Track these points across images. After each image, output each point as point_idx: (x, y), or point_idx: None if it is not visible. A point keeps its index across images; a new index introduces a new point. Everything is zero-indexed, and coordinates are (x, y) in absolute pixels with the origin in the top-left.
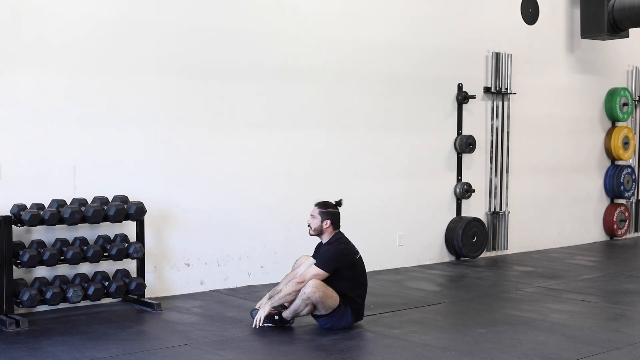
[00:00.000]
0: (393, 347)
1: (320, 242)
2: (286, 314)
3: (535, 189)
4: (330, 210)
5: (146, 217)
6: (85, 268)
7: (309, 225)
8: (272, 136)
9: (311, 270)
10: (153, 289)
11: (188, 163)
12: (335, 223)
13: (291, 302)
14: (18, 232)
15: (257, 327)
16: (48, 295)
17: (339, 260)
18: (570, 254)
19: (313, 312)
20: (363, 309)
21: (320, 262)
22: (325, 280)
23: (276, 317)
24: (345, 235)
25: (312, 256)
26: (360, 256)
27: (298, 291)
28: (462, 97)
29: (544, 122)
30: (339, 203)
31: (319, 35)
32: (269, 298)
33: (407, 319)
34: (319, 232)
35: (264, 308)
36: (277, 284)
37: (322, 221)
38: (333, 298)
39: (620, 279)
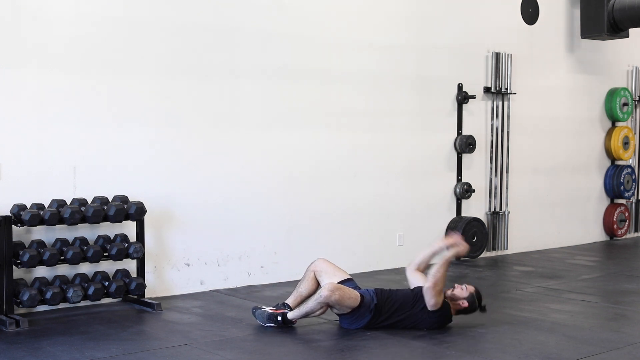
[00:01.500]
0: (393, 347)
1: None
2: (294, 314)
3: (535, 189)
4: (475, 304)
5: (146, 217)
6: (85, 268)
7: (453, 287)
8: (272, 136)
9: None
10: (153, 289)
11: (188, 163)
12: (466, 311)
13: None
14: (18, 232)
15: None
16: (48, 295)
17: (446, 321)
18: (570, 254)
19: (324, 313)
20: (383, 325)
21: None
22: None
23: (279, 318)
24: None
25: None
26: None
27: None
28: (462, 97)
29: (544, 122)
30: (482, 308)
31: (319, 35)
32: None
33: None
34: (444, 296)
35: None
36: (277, 284)
37: (461, 299)
38: (352, 299)
39: (620, 279)
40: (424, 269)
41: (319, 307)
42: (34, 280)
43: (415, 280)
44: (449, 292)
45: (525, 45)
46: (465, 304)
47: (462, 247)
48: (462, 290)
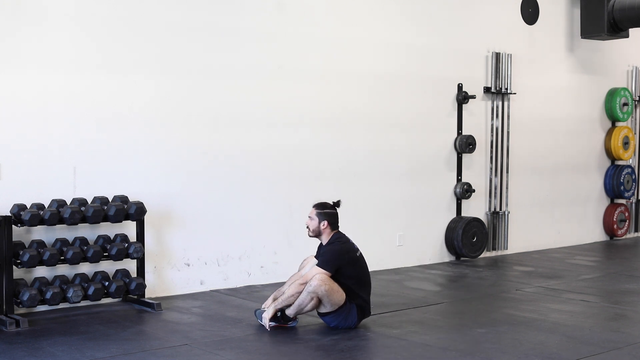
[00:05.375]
0: (393, 347)
1: (321, 243)
2: (290, 310)
3: (535, 189)
4: (327, 211)
5: (146, 217)
6: (85, 268)
7: (307, 227)
8: (272, 136)
9: (313, 270)
10: (153, 289)
11: (188, 163)
12: (334, 224)
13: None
14: (18, 232)
15: (269, 328)
16: (48, 295)
17: (339, 258)
18: (570, 254)
19: (318, 308)
20: (369, 307)
21: (322, 263)
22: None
23: (278, 314)
24: (345, 234)
25: (315, 257)
26: (360, 253)
27: (299, 289)
28: (462, 97)
29: (544, 122)
30: (337, 204)
31: (319, 35)
32: (274, 299)
33: (407, 319)
34: (317, 234)
35: (268, 310)
36: (277, 284)
37: (319, 222)
38: (339, 293)
39: (620, 279)
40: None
41: (309, 298)
42: (34, 280)
43: (309, 266)
44: (311, 233)
45: (525, 45)
46: (326, 222)
47: None
48: (311, 220)
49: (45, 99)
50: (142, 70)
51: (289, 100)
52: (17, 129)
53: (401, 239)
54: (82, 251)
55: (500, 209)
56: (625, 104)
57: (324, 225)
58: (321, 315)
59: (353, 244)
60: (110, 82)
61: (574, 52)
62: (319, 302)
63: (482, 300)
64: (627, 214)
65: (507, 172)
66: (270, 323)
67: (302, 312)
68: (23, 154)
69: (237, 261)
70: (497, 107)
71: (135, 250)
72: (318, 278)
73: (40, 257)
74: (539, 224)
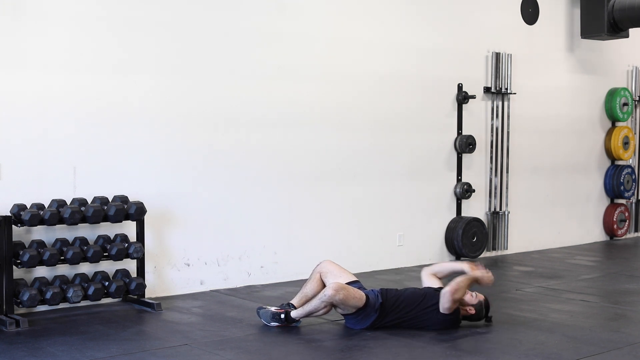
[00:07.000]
0: (393, 347)
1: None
2: (297, 313)
3: (535, 189)
4: (483, 311)
5: (146, 217)
6: (85, 268)
7: (469, 295)
8: (272, 136)
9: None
10: (153, 289)
11: (188, 163)
12: (471, 317)
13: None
14: (18, 232)
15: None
16: (48, 295)
17: (455, 323)
18: (570, 254)
19: (327, 312)
20: (387, 325)
21: (442, 307)
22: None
23: (282, 316)
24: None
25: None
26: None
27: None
28: (462, 97)
29: (544, 122)
30: (488, 319)
31: (319, 35)
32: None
33: None
34: (460, 304)
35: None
36: (277, 284)
37: (471, 306)
38: (356, 298)
39: (620, 279)
40: (441, 278)
41: (322, 306)
42: (34, 280)
43: (429, 282)
44: (462, 298)
45: (525, 45)
46: (473, 310)
47: (487, 278)
48: (471, 297)
49: (46, 99)
50: (143, 70)
51: (289, 100)
52: (17, 129)
53: (401, 239)
54: (82, 251)
55: (500, 209)
56: (625, 104)
57: (470, 310)
58: (342, 314)
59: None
60: (111, 82)
61: (573, 52)
62: (333, 307)
63: None
64: (627, 214)
65: (507, 172)
66: (272, 323)
67: (311, 316)
68: (23, 154)
69: (237, 261)
70: (497, 107)
71: (135, 250)
72: (332, 287)
73: (40, 257)
74: (539, 224)
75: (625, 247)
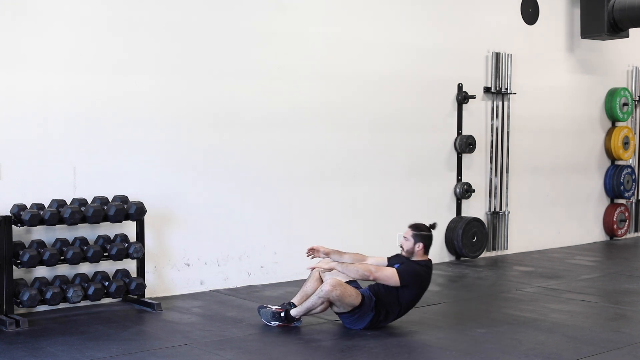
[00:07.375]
0: (393, 347)
1: (402, 255)
2: (296, 311)
3: (535, 189)
4: (423, 234)
5: (146, 217)
6: (85, 268)
7: (400, 246)
8: (272, 136)
9: (389, 270)
10: (153, 289)
11: (188, 163)
12: (427, 247)
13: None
14: (18, 232)
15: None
16: (48, 295)
17: (416, 281)
18: (570, 254)
19: (331, 308)
20: (386, 324)
21: (402, 270)
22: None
23: (282, 315)
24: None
25: (388, 258)
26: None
27: (363, 274)
28: (462, 97)
29: (544, 122)
30: (432, 226)
31: (319, 35)
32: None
33: (407, 319)
34: (410, 254)
35: (329, 264)
36: (277, 284)
37: (414, 244)
38: (352, 296)
39: (620, 279)
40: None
41: (320, 302)
42: (34, 280)
43: (374, 260)
44: (404, 253)
45: (525, 45)
46: (421, 245)
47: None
48: (406, 241)
49: (46, 98)
50: (143, 70)
51: (289, 100)
52: (17, 129)
53: (401, 239)
54: (82, 251)
55: (500, 209)
56: (625, 104)
57: (418, 247)
58: (336, 313)
59: (430, 279)
60: (111, 82)
61: (573, 52)
62: (330, 305)
63: (482, 300)
64: (627, 214)
65: (507, 172)
66: (272, 322)
67: (309, 314)
68: (23, 154)
69: (237, 261)
70: (497, 107)
71: (135, 250)
72: (330, 283)
73: (40, 257)
74: (539, 224)
75: (625, 247)
